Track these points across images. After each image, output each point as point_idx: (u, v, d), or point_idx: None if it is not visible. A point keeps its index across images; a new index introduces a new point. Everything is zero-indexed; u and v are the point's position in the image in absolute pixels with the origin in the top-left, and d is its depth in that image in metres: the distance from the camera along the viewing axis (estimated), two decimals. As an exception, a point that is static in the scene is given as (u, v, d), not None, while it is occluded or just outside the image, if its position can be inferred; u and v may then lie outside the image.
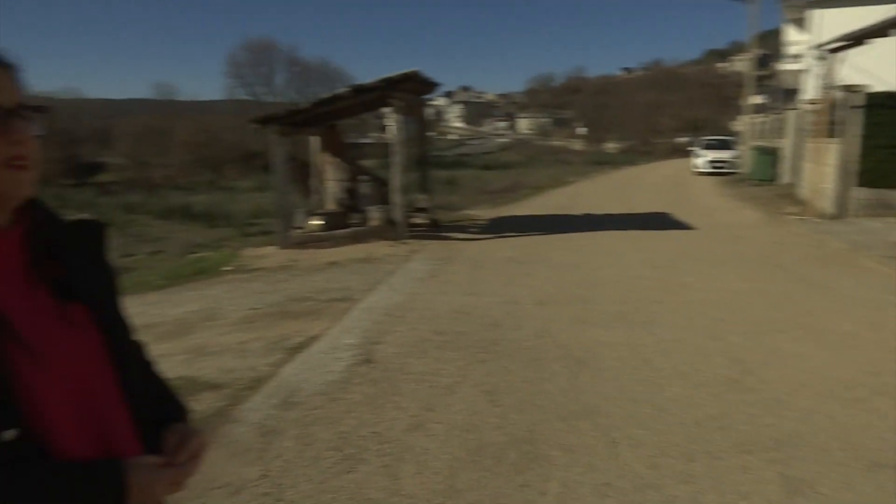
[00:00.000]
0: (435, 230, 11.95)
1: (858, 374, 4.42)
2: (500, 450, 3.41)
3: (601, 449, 3.39)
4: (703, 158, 26.24)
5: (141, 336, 1.17)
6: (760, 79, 30.40)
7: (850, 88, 12.28)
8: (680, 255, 9.11)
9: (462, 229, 12.27)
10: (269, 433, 3.68)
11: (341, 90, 11.07)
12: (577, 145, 68.03)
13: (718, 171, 24.98)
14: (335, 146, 11.91)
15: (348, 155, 12.44)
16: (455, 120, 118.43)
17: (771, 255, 9.06)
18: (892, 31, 11.84)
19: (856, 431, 3.56)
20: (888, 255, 8.47)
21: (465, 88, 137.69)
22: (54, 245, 1.00)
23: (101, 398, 0.97)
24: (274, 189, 11.31)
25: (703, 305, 6.34)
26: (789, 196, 15.70)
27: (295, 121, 11.12)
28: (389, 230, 10.77)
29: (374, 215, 11.04)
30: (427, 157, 14.00)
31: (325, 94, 12.02)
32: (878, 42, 13.03)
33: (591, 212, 14.66)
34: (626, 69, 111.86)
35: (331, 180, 11.78)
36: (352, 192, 11.68)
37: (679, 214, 13.47)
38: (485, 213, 15.21)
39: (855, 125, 11.98)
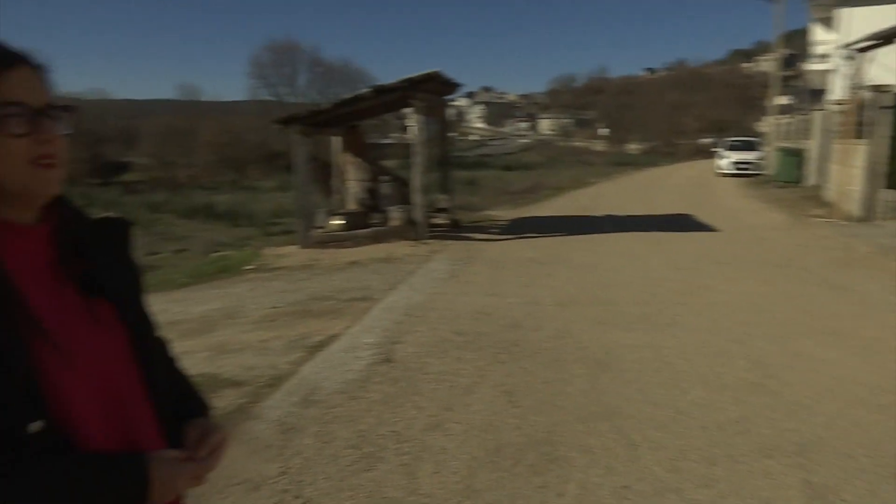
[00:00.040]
0: (455, 230, 11.95)
1: (885, 380, 4.34)
2: (518, 450, 3.40)
3: (621, 451, 3.37)
4: (727, 160, 25.93)
5: (164, 333, 1.19)
6: (786, 79, 30.01)
7: (878, 88, 12.06)
8: (703, 257, 9.02)
9: (483, 230, 12.27)
10: (288, 430, 3.71)
11: (363, 91, 11.13)
12: (599, 146, 67.65)
13: (742, 172, 24.67)
14: (357, 146, 11.97)
15: (370, 155, 12.49)
16: (476, 120, 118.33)
17: (795, 257, 8.93)
18: (923, 30, 11.62)
19: (882, 438, 3.49)
20: (917, 258, 8.31)
21: (487, 89, 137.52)
22: (81, 243, 1.02)
23: (126, 393, 0.99)
24: (296, 189, 11.40)
25: (726, 308, 6.28)
26: (815, 198, 15.47)
27: (317, 121, 11.20)
28: (410, 230, 10.79)
29: (395, 215, 11.07)
30: (448, 157, 14.01)
31: (347, 95, 12.08)
32: (908, 41, 12.79)
33: (612, 213, 14.57)
34: (650, 69, 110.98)
35: (352, 180, 11.84)
36: (373, 193, 11.72)
37: (702, 216, 13.33)
38: (506, 213, 15.18)
39: (884, 126, 11.76)
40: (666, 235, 11.00)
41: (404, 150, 12.98)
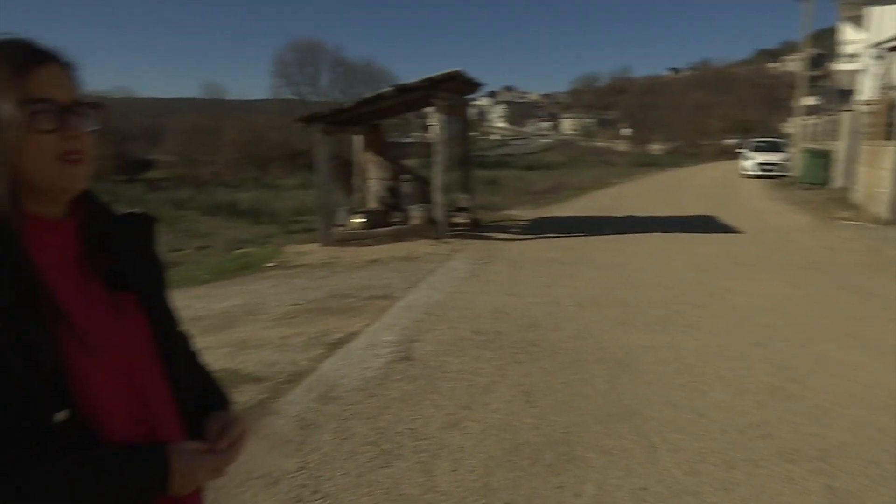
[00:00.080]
0: (476, 230, 11.95)
1: (911, 385, 4.27)
2: (536, 450, 3.40)
3: (639, 453, 3.35)
4: (751, 161, 25.58)
5: (187, 328, 1.21)
6: (813, 79, 29.53)
7: (908, 89, 11.84)
8: (725, 258, 8.92)
9: (503, 229, 12.24)
10: (307, 426, 3.74)
11: (385, 90, 11.17)
12: (622, 146, 67.16)
13: (767, 173, 24.34)
14: (378, 145, 12.01)
15: (391, 154, 12.53)
16: (498, 120, 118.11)
17: (820, 260, 8.80)
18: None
19: (907, 444, 3.44)
20: (946, 262, 8.15)
21: (509, 88, 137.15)
22: (106, 237, 1.03)
23: (149, 385, 1.01)
24: (317, 187, 11.47)
25: (749, 311, 6.20)
26: (842, 200, 15.22)
27: (339, 120, 11.26)
28: (431, 229, 10.81)
29: (416, 214, 11.10)
30: (469, 156, 14.00)
31: (369, 94, 12.13)
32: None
33: (634, 214, 14.47)
34: (674, 69, 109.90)
35: (373, 179, 11.88)
36: (394, 191, 11.76)
37: (725, 218, 13.19)
38: (526, 213, 15.14)
39: (913, 127, 11.54)
40: (688, 237, 10.90)
41: (425, 149, 13.01)
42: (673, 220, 13.19)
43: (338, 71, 50.83)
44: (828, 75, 31.87)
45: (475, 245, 10.39)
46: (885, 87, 13.82)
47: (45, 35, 0.95)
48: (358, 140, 12.38)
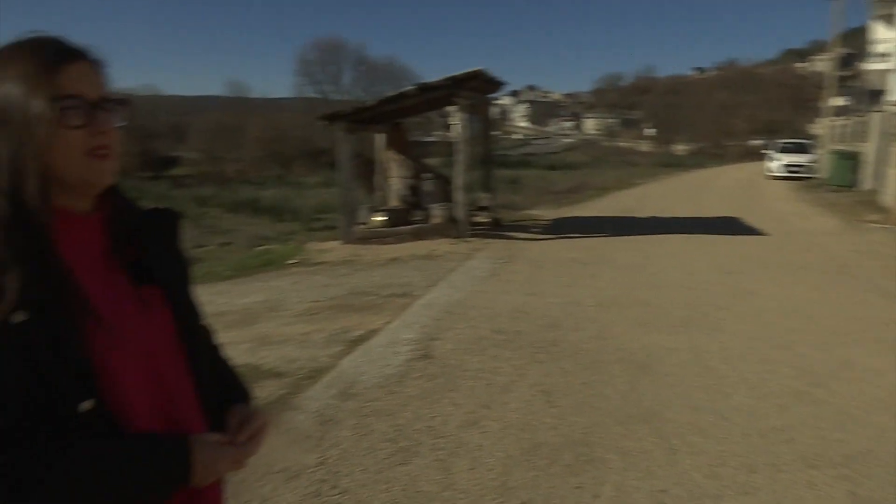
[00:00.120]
0: (497, 229, 11.93)
1: (939, 392, 4.19)
2: (554, 450, 3.39)
3: (659, 455, 3.33)
4: (777, 162, 25.22)
5: (210, 323, 1.23)
6: (843, 79, 29.06)
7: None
8: (749, 261, 8.82)
9: (524, 229, 12.21)
10: (327, 422, 3.77)
11: (407, 88, 11.19)
12: (645, 147, 66.65)
13: (794, 175, 23.98)
14: (400, 144, 12.04)
15: (413, 152, 12.56)
16: (520, 119, 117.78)
17: (847, 263, 8.66)
18: None
19: (934, 451, 3.37)
20: (978, 267, 7.97)
21: (531, 87, 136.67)
22: (132, 232, 1.05)
23: (172, 377, 1.02)
24: (339, 185, 11.53)
25: (773, 314, 6.13)
26: (870, 203, 14.95)
27: (361, 118, 11.30)
28: (451, 228, 10.81)
29: (437, 213, 11.11)
30: (491, 156, 13.98)
31: (391, 93, 12.16)
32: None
33: (657, 214, 14.35)
34: (699, 69, 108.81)
35: (395, 177, 11.92)
36: (415, 190, 11.78)
37: (750, 219, 13.03)
38: (548, 213, 15.09)
39: (945, 129, 11.30)
40: (712, 238, 10.78)
41: (447, 147, 13.01)
42: (696, 221, 13.06)
43: (360, 69, 51.07)
44: (857, 75, 31.30)
45: (496, 244, 10.38)
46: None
47: (74, 33, 0.97)
48: (380, 138, 12.42)
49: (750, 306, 6.41)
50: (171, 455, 0.95)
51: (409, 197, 11.73)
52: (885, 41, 23.18)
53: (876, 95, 24.55)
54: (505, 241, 10.77)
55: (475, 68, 10.52)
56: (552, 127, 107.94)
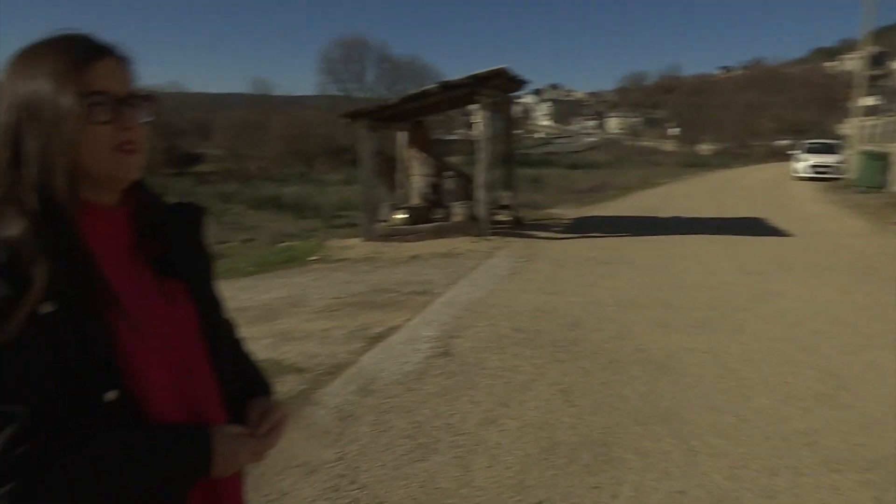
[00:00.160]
0: (518, 228, 11.91)
1: (968, 397, 4.10)
2: (572, 450, 3.38)
3: (678, 456, 3.31)
4: (804, 163, 24.82)
5: (232, 317, 1.25)
6: (873, 78, 28.53)
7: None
8: (773, 262, 8.70)
9: (545, 228, 12.17)
10: (346, 418, 3.80)
11: (429, 86, 11.21)
12: (669, 146, 66.00)
13: (821, 176, 23.59)
14: (422, 142, 12.06)
15: (434, 151, 12.57)
16: (543, 118, 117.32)
17: (874, 265, 8.51)
18: None
19: (962, 458, 3.31)
20: None
21: (554, 86, 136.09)
22: (157, 226, 1.07)
23: (195, 369, 1.04)
24: (361, 183, 11.58)
25: (796, 316, 6.04)
26: (899, 204, 14.68)
27: (383, 116, 11.34)
28: (472, 226, 10.81)
29: (458, 211, 11.12)
30: (513, 154, 13.95)
31: (414, 91, 12.18)
32: None
33: (680, 215, 14.21)
34: (725, 68, 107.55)
35: (416, 175, 11.94)
36: (436, 188, 11.80)
37: (775, 220, 12.86)
38: (569, 212, 15.02)
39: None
40: (735, 239, 10.66)
41: (469, 146, 13.01)
42: (720, 221, 12.92)
43: (383, 67, 51.17)
44: (889, 74, 30.73)
45: (517, 243, 10.36)
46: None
47: (102, 31, 0.98)
48: (402, 136, 12.45)
49: (773, 308, 6.33)
50: (193, 445, 0.96)
51: (430, 195, 11.75)
52: (917, 40, 22.71)
53: (907, 95, 24.08)
54: (526, 239, 10.75)
55: (498, 66, 10.50)
56: (575, 126, 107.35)
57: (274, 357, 4.85)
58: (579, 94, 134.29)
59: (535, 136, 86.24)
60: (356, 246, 10.39)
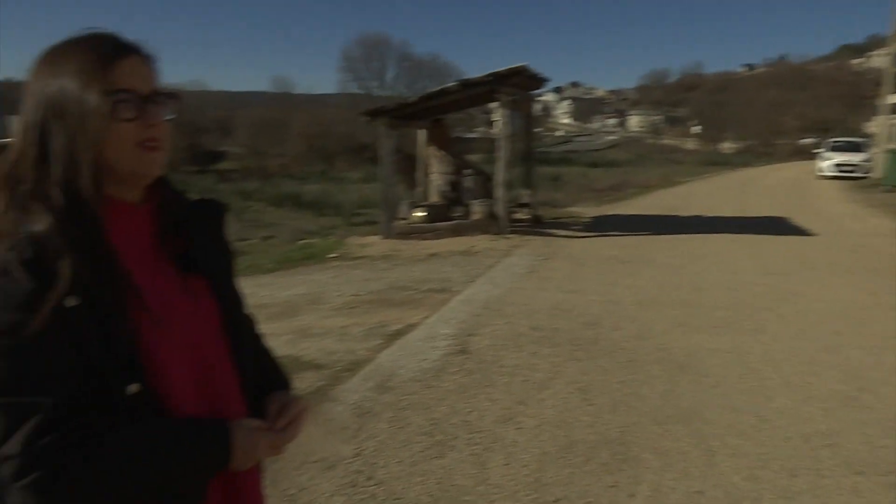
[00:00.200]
0: (537, 226, 11.88)
1: None
2: (590, 448, 3.37)
3: (697, 456, 3.29)
4: (829, 161, 24.44)
5: (252, 313, 1.26)
6: (900, 76, 27.96)
7: None
8: (796, 261, 8.60)
9: (565, 226, 12.13)
10: (364, 414, 3.82)
11: (449, 84, 11.21)
12: (691, 145, 65.40)
13: (846, 175, 23.21)
14: (441, 140, 12.07)
15: (454, 149, 12.57)
16: (563, 116, 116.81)
17: (901, 266, 8.36)
18: None
19: None
20: None
21: (575, 84, 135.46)
22: (179, 222, 1.08)
23: (215, 363, 1.06)
24: (380, 180, 11.61)
25: (819, 316, 5.97)
26: (927, 204, 14.42)
27: (403, 114, 11.37)
28: (491, 224, 10.80)
29: (477, 209, 11.11)
30: (532, 152, 13.91)
31: (434, 89, 12.19)
32: None
33: (701, 213, 14.08)
34: (748, 65, 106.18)
35: (435, 173, 11.96)
36: (455, 186, 11.80)
37: (798, 220, 12.69)
38: (589, 210, 14.95)
39: None
40: (757, 238, 10.54)
41: (489, 144, 13.01)
42: (741, 220, 12.78)
43: (404, 66, 51.23)
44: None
45: (536, 241, 10.33)
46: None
47: (127, 30, 1.00)
48: (421, 134, 12.47)
49: (795, 308, 6.25)
50: (213, 438, 0.98)
51: (449, 193, 11.76)
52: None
53: (936, 92, 23.61)
54: (545, 238, 10.72)
55: (518, 64, 10.47)
56: (595, 124, 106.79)
57: (293, 353, 4.89)
58: (600, 92, 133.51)
59: (556, 134, 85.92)
60: (375, 243, 10.43)
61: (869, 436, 3.52)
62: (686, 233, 11.15)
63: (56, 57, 0.97)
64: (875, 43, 65.42)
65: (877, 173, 21.23)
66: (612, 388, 4.21)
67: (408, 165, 12.40)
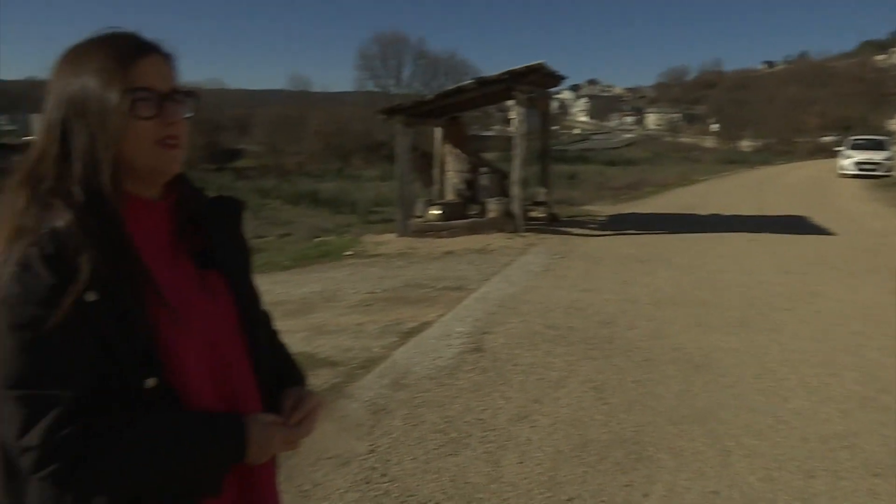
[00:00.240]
0: (553, 224, 11.85)
1: None
2: (604, 447, 3.37)
3: (712, 456, 3.27)
4: (850, 159, 24.13)
5: (268, 309, 1.28)
6: (923, 73, 27.52)
7: None
8: (815, 261, 8.50)
9: (581, 224, 12.09)
10: (379, 411, 3.84)
11: (466, 82, 11.20)
12: (709, 143, 64.79)
13: (867, 173, 22.89)
14: (458, 138, 12.07)
15: (470, 147, 12.56)
16: (580, 114, 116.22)
17: (923, 266, 8.24)
18: None
19: None
20: None
21: (592, 82, 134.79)
22: (197, 219, 1.10)
23: (232, 358, 1.07)
24: (396, 178, 11.64)
25: (838, 316, 5.90)
26: (950, 203, 14.19)
27: (420, 112, 11.38)
28: (507, 222, 10.79)
29: (493, 207, 11.10)
30: (549, 150, 13.86)
31: (450, 87, 12.19)
32: None
33: (719, 212, 13.96)
34: (768, 62, 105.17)
35: (451, 171, 11.96)
36: (471, 184, 11.79)
37: (818, 219, 12.54)
38: (605, 209, 14.88)
39: None
40: (776, 237, 10.43)
41: (505, 142, 12.98)
42: (760, 219, 12.66)
43: (420, 64, 51.17)
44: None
45: (551, 240, 10.31)
46: None
47: (146, 28, 1.02)
48: (438, 132, 12.47)
49: (814, 308, 6.19)
50: (228, 432, 0.99)
51: (465, 191, 11.76)
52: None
53: (960, 90, 23.18)
54: (561, 236, 10.69)
55: (535, 62, 10.44)
56: (613, 122, 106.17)
57: (308, 350, 4.92)
58: (617, 90, 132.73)
59: (572, 132, 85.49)
60: (391, 241, 10.46)
61: (887, 437, 3.48)
62: (703, 231, 11.06)
63: (77, 56, 0.99)
64: (898, 39, 64.37)
65: (899, 172, 20.93)
66: (627, 388, 4.19)
67: (424, 163, 12.42)
